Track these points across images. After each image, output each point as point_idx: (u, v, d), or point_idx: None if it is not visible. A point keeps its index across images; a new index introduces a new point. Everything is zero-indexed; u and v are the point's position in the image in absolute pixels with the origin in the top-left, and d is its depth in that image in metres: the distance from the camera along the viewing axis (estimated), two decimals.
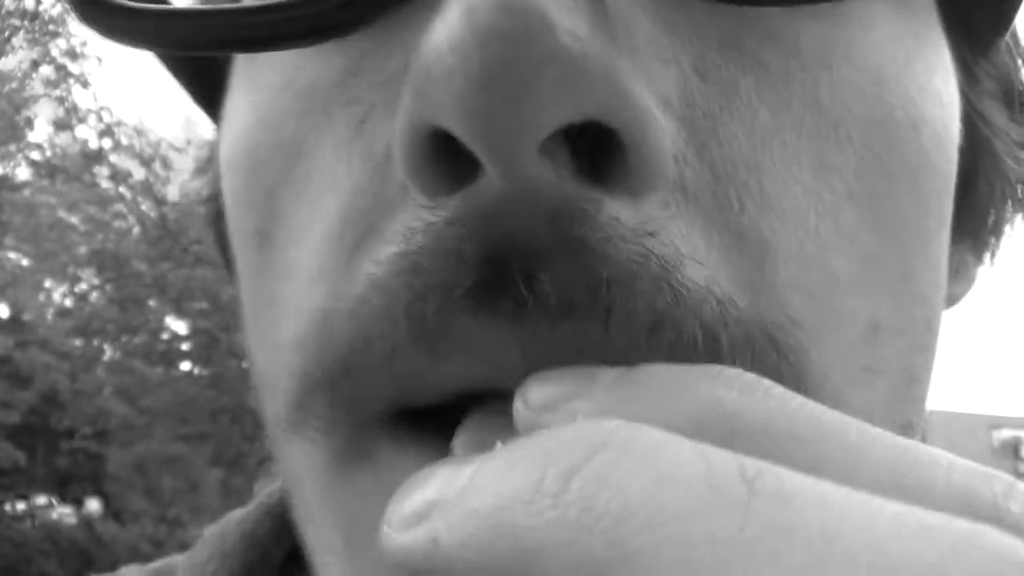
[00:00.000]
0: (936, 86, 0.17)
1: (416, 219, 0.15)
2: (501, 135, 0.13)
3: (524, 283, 0.14)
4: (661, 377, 0.13)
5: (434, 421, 0.16)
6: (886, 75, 0.16)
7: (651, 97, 0.14)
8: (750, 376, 0.12)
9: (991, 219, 0.22)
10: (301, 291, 0.17)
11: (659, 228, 0.14)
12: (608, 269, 0.14)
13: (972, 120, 0.20)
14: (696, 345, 0.14)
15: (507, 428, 0.14)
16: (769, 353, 0.15)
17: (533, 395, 0.14)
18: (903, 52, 0.17)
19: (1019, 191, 0.22)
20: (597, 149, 0.14)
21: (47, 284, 8.57)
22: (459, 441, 0.15)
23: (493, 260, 0.14)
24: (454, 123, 0.13)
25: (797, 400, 0.12)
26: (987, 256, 0.23)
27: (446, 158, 0.14)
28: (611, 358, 0.14)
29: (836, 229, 0.16)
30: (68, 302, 8.77)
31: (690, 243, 0.14)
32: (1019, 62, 0.22)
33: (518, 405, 0.14)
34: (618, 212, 0.14)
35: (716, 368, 0.12)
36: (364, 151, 0.16)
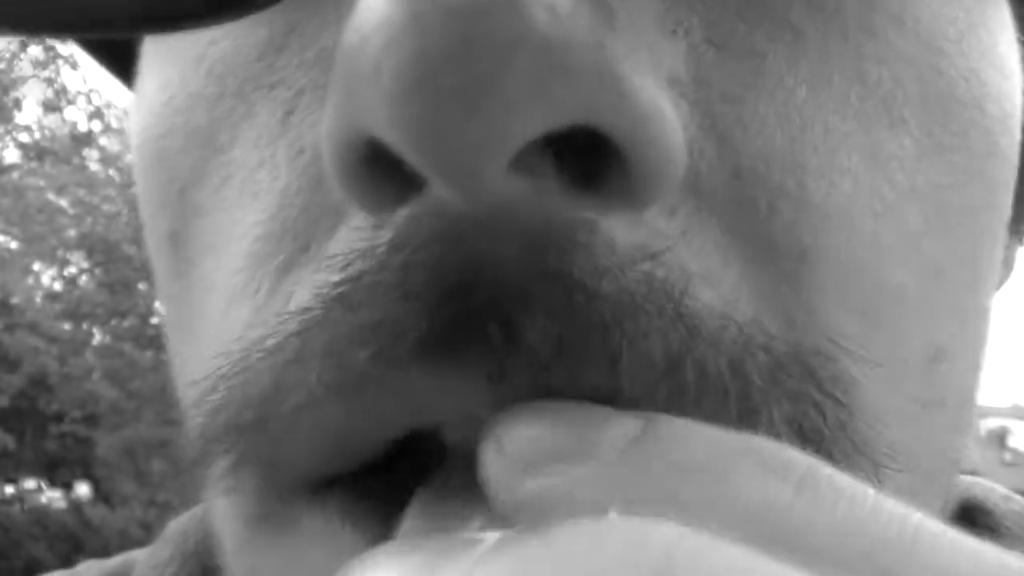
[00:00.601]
0: (1000, 52, 0.14)
1: (355, 240, 0.12)
2: (452, 153, 0.10)
3: (501, 332, 0.11)
4: (692, 450, 0.10)
5: (376, 479, 0.13)
6: (943, 42, 0.13)
7: (656, 83, 0.11)
8: (803, 464, 0.09)
9: None
10: (218, 313, 0.14)
11: (662, 247, 0.11)
12: (605, 308, 0.11)
13: None
14: (724, 386, 0.11)
15: (466, 507, 0.11)
16: (809, 388, 0.12)
17: (512, 441, 0.10)
18: (963, 11, 0.14)
19: None
20: (588, 153, 0.11)
21: (36, 267, 8.52)
22: (407, 526, 0.12)
23: (453, 297, 0.11)
24: (386, 134, 0.10)
25: (869, 502, 0.09)
26: None
27: (388, 165, 0.11)
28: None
29: (898, 233, 0.13)
30: (57, 285, 8.73)
31: (702, 259, 0.12)
32: None
33: (489, 454, 0.10)
34: (614, 234, 0.11)
35: (758, 447, 0.09)
36: (291, 150, 0.13)
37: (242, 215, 0.13)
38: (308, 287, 0.12)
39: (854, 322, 0.12)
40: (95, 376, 8.04)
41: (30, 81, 8.13)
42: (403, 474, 0.12)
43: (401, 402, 0.11)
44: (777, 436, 0.11)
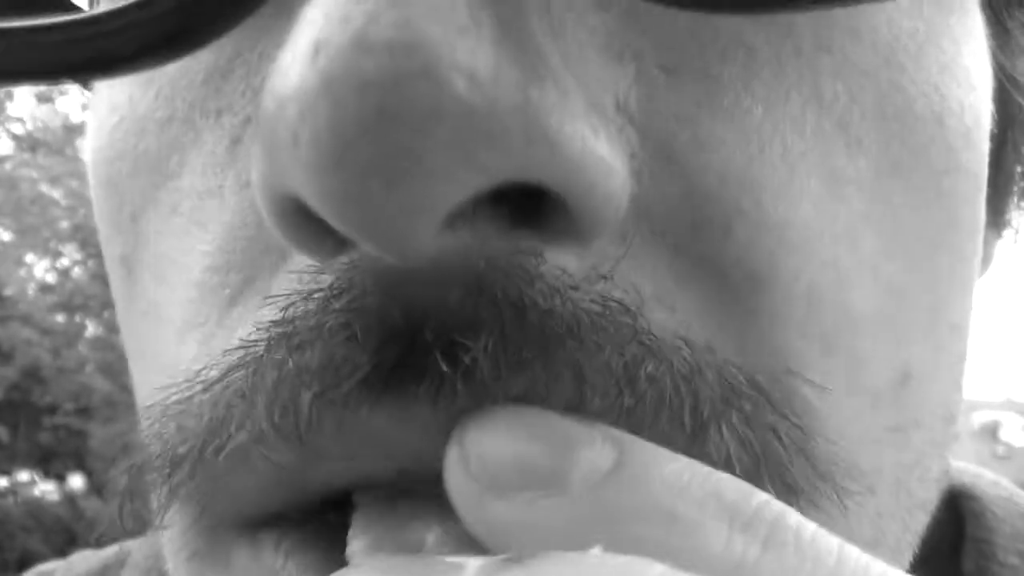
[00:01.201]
0: (964, 63, 0.14)
1: (296, 283, 0.11)
2: (377, 223, 0.09)
3: (445, 358, 0.10)
4: (661, 494, 0.09)
5: (315, 516, 0.13)
6: (902, 56, 0.13)
7: (591, 124, 0.10)
8: (770, 514, 0.09)
9: (1017, 194, 0.19)
10: (168, 343, 0.14)
11: (614, 270, 0.11)
12: (562, 323, 0.11)
13: (1004, 88, 0.16)
14: (678, 401, 0.11)
15: (415, 516, 0.11)
16: (762, 409, 0.12)
17: (478, 458, 0.10)
18: (922, 22, 0.13)
19: None
20: (527, 197, 0.11)
21: (28, 259, 8.49)
22: (357, 545, 0.12)
23: (398, 338, 0.11)
24: (310, 201, 0.10)
25: (834, 556, 0.09)
26: (1007, 230, 0.20)
27: (320, 219, 0.10)
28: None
29: (856, 257, 0.12)
30: (50, 277, 8.69)
31: (655, 281, 0.11)
32: None
33: (453, 467, 0.10)
34: (563, 260, 0.11)
35: (725, 491, 0.09)
36: (237, 181, 0.13)
37: (191, 244, 0.13)
38: (252, 323, 0.12)
39: (812, 349, 0.12)
40: (88, 369, 8.02)
41: None
42: (342, 510, 0.12)
43: (347, 440, 0.11)
44: (727, 454, 0.11)
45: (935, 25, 0.13)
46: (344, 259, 0.11)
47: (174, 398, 0.13)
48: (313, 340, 0.11)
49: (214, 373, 0.12)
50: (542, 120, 0.09)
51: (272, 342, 0.11)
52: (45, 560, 0.32)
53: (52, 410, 8.07)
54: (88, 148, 0.16)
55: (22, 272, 8.47)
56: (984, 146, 0.15)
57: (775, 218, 0.12)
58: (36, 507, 7.51)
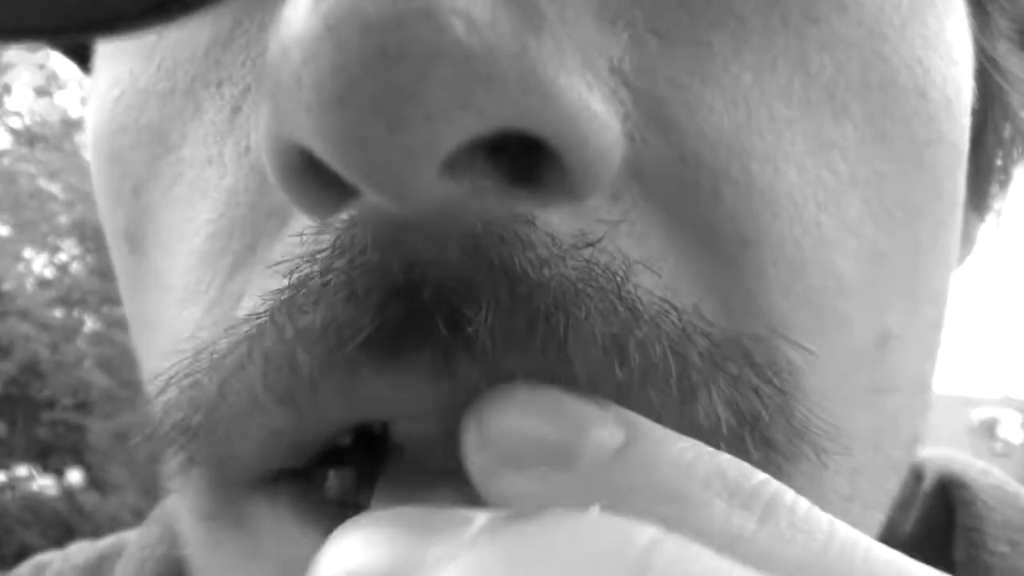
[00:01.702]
0: (946, 38, 0.14)
1: (298, 245, 0.12)
2: (378, 164, 0.10)
3: (447, 325, 0.11)
4: (667, 474, 0.10)
5: (326, 472, 0.13)
6: (887, 28, 0.13)
7: (587, 80, 0.11)
8: (767, 493, 0.10)
9: (999, 177, 0.19)
10: (172, 311, 0.14)
11: (601, 234, 0.12)
12: (548, 296, 0.11)
13: (984, 69, 0.17)
14: (667, 367, 0.11)
15: (440, 480, 0.12)
16: (747, 372, 0.12)
17: (496, 433, 0.11)
18: None
19: None
20: (525, 150, 0.11)
21: (27, 254, 8.47)
22: (377, 505, 0.12)
23: (398, 296, 0.11)
24: (313, 145, 0.10)
25: (824, 532, 0.10)
26: (990, 215, 0.20)
27: (325, 170, 0.10)
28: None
29: (840, 221, 0.13)
30: (48, 272, 8.68)
31: (644, 245, 0.12)
32: None
33: (471, 441, 0.11)
34: (554, 226, 0.11)
35: (727, 470, 0.10)
36: (238, 148, 0.13)
37: (193, 213, 0.14)
38: (256, 292, 0.12)
39: (796, 310, 0.12)
40: (87, 364, 8.02)
41: (20, 66, 8.07)
42: (353, 465, 0.13)
43: (348, 402, 0.12)
44: (716, 417, 0.12)
45: (919, 0, 0.14)
46: (344, 216, 0.11)
47: (184, 368, 0.13)
48: (315, 302, 0.11)
49: (220, 344, 0.13)
50: (538, 69, 0.10)
51: (275, 310, 0.12)
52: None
53: (50, 405, 8.06)
54: (89, 125, 0.16)
55: (20, 267, 8.47)
56: (965, 120, 0.15)
57: (762, 183, 0.12)
58: (34, 502, 7.51)
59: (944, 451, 0.28)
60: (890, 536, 0.25)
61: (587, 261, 0.11)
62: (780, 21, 0.12)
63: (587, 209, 0.12)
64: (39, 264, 8.72)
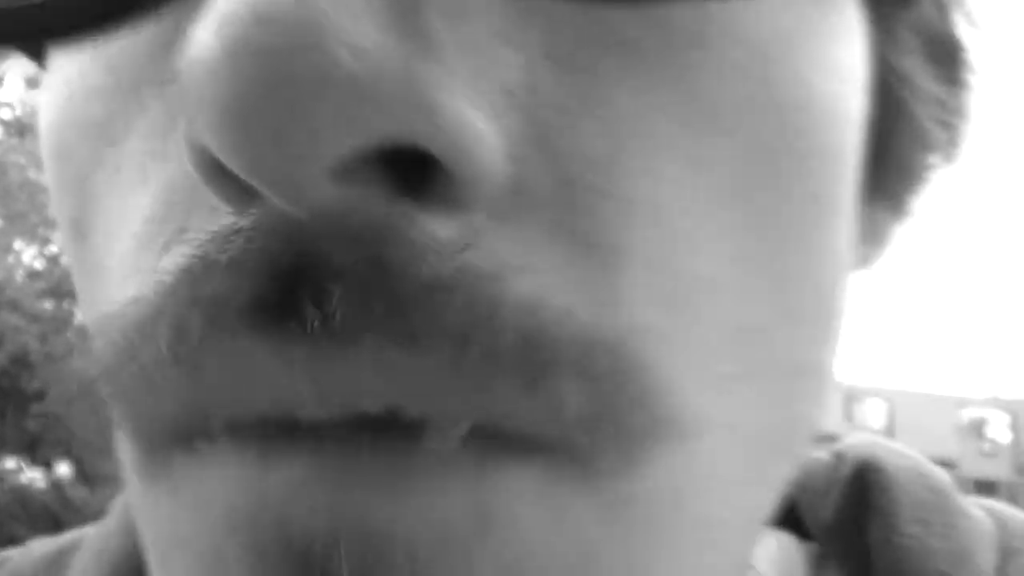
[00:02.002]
0: (834, 55, 0.15)
1: (212, 224, 0.13)
2: (272, 169, 0.11)
3: (312, 302, 0.12)
4: None
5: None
6: (773, 51, 0.14)
7: (471, 101, 0.12)
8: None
9: (907, 180, 0.20)
10: (111, 290, 0.15)
11: (480, 240, 0.12)
12: (414, 288, 0.12)
13: (888, 81, 0.18)
14: (521, 360, 0.12)
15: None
16: (605, 366, 0.13)
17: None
18: (794, 19, 0.14)
19: (946, 148, 0.20)
20: (419, 164, 0.12)
21: (17, 245, 8.44)
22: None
23: (279, 277, 0.12)
24: (218, 154, 0.11)
25: None
26: (906, 214, 0.21)
27: None
28: (418, 381, 0.12)
29: (708, 230, 0.14)
30: (38, 264, 8.65)
31: (521, 252, 0.13)
32: (947, 8, 0.19)
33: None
34: (435, 228, 0.12)
35: None
36: (179, 144, 0.13)
37: (134, 200, 0.15)
38: (169, 261, 0.13)
39: (657, 309, 0.13)
40: (76, 355, 7.99)
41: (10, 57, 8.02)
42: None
43: (230, 368, 0.12)
44: (576, 409, 0.13)
45: (806, 22, 0.15)
46: (253, 209, 0.12)
47: (108, 335, 0.14)
48: (208, 274, 0.12)
49: (133, 310, 0.13)
50: (422, 90, 0.11)
51: (178, 277, 0.13)
52: None
53: (40, 397, 8.04)
54: (41, 123, 0.17)
55: (10, 258, 8.44)
56: (851, 130, 0.16)
57: (636, 198, 0.13)
58: (23, 495, 7.50)
59: (868, 437, 0.28)
60: (812, 522, 0.26)
61: (462, 263, 0.12)
62: (667, 46, 0.13)
63: (469, 219, 0.12)
64: (29, 255, 8.69)
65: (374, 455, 0.12)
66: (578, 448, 0.13)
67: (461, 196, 0.12)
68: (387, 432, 0.12)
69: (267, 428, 0.13)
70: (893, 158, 0.19)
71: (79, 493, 7.66)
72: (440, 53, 0.12)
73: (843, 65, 0.15)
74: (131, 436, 0.15)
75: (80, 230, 0.16)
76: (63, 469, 8.36)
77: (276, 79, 0.10)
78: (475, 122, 0.12)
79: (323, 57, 0.10)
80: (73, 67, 0.16)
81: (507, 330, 0.12)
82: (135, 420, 0.14)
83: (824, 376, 0.17)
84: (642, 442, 0.13)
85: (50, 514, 7.26)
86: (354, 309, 0.12)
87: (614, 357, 0.13)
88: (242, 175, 0.11)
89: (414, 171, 0.12)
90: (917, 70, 0.18)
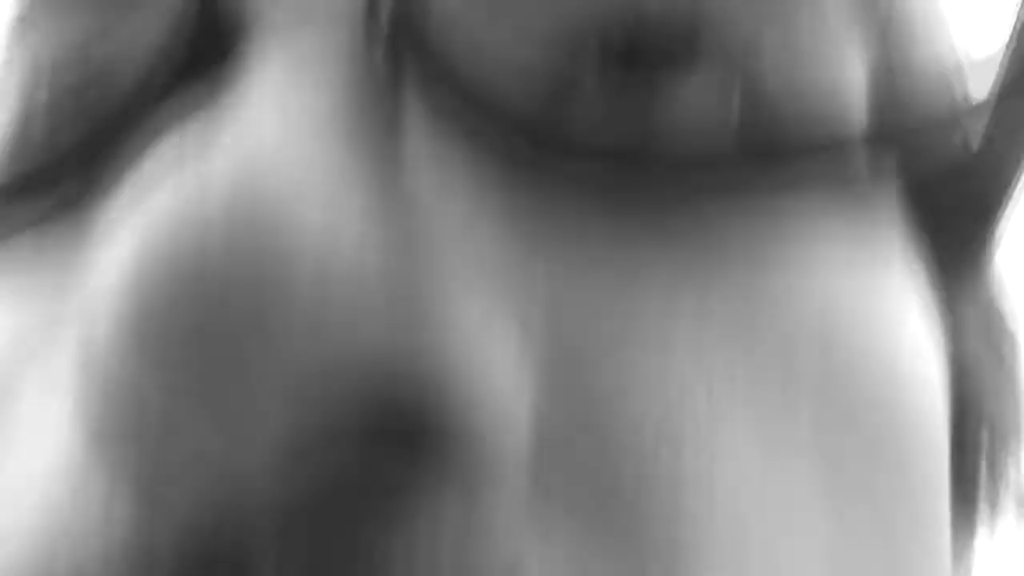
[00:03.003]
0: (909, 328, 0.12)
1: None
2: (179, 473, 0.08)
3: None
4: None
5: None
6: (846, 316, 0.11)
7: (494, 347, 0.09)
8: None
9: (985, 491, 0.16)
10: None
11: (492, 526, 0.08)
12: None
13: (956, 372, 0.14)
14: None
15: None
16: None
17: None
18: (861, 282, 0.12)
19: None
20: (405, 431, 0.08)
21: None
22: None
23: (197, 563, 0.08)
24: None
25: None
26: (985, 525, 0.17)
27: None
28: None
29: (794, 525, 0.10)
30: None
31: (544, 544, 0.09)
32: (999, 287, 0.16)
33: None
34: (432, 508, 0.08)
35: None
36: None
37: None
38: None
39: None
40: None
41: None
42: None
43: None
44: None
45: (878, 286, 0.12)
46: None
47: None
48: None
49: None
50: (422, 330, 0.08)
51: None
52: None
53: None
54: None
55: None
56: (939, 411, 0.13)
57: (698, 477, 0.10)
58: None
59: None
60: None
61: (466, 557, 0.08)
62: (719, 292, 0.10)
63: (478, 498, 0.09)
64: None
65: None
66: None
67: (470, 474, 0.08)
68: None
69: None
70: (967, 464, 0.15)
71: None
72: (451, 283, 0.09)
73: (919, 338, 0.12)
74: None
75: None
76: None
77: (204, 337, 0.07)
78: (497, 381, 0.09)
79: (265, 308, 0.07)
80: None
81: None
82: None
83: None
84: None
85: None
86: None
87: None
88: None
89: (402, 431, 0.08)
90: (983, 357, 0.15)
